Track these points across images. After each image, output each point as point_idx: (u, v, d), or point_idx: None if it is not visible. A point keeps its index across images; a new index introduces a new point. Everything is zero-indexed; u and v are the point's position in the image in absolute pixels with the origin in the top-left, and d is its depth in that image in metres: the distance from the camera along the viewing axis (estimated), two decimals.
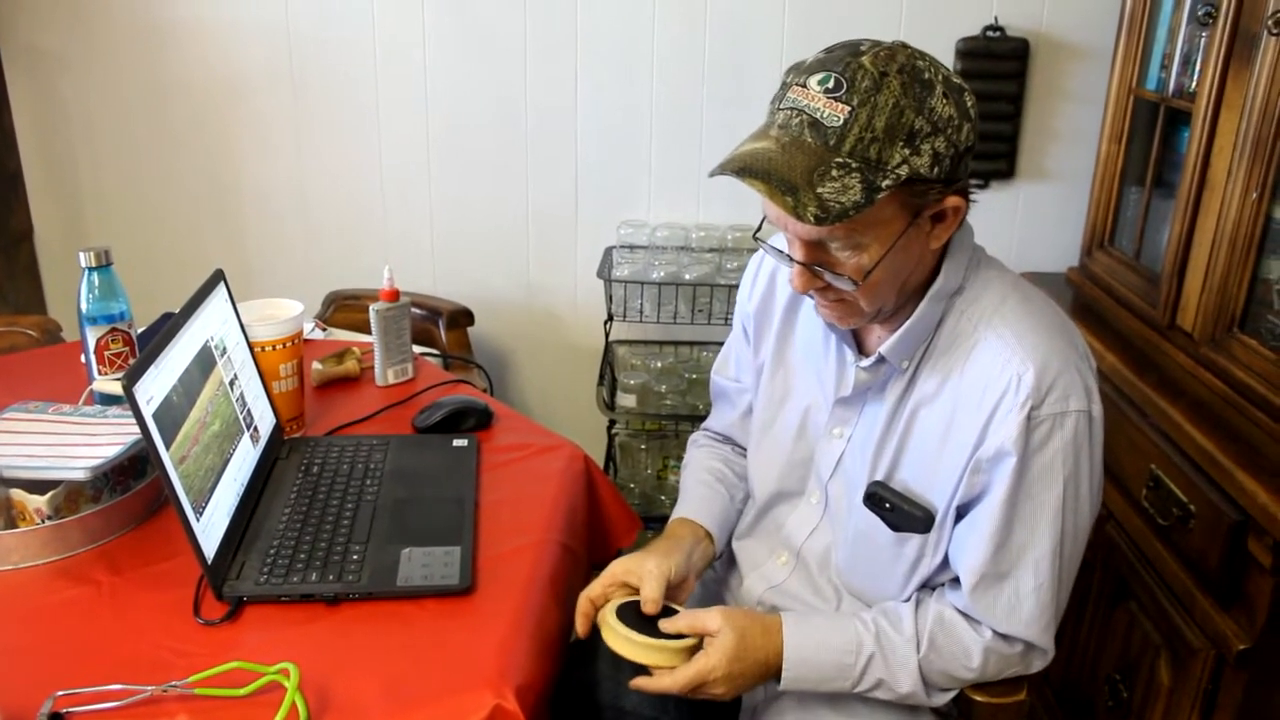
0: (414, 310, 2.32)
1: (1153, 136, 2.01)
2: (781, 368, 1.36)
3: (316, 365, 1.74)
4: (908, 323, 1.16)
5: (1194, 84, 1.83)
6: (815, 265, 1.11)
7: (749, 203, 2.51)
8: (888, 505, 1.21)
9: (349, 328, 2.31)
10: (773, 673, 1.18)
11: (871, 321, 1.20)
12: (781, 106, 1.06)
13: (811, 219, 1.01)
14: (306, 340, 1.96)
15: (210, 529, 1.18)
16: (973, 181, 2.53)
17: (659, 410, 2.44)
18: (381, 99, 2.51)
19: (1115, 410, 1.86)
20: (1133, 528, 1.75)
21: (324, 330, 2.15)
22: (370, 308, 1.71)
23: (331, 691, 1.03)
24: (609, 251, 2.48)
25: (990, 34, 2.32)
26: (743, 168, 1.04)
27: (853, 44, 1.06)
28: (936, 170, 1.04)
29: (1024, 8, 2.33)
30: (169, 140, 2.58)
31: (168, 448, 1.12)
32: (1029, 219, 2.49)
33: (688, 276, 2.36)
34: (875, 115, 1.01)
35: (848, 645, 1.18)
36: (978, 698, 1.20)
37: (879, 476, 1.22)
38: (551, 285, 2.63)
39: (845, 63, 1.03)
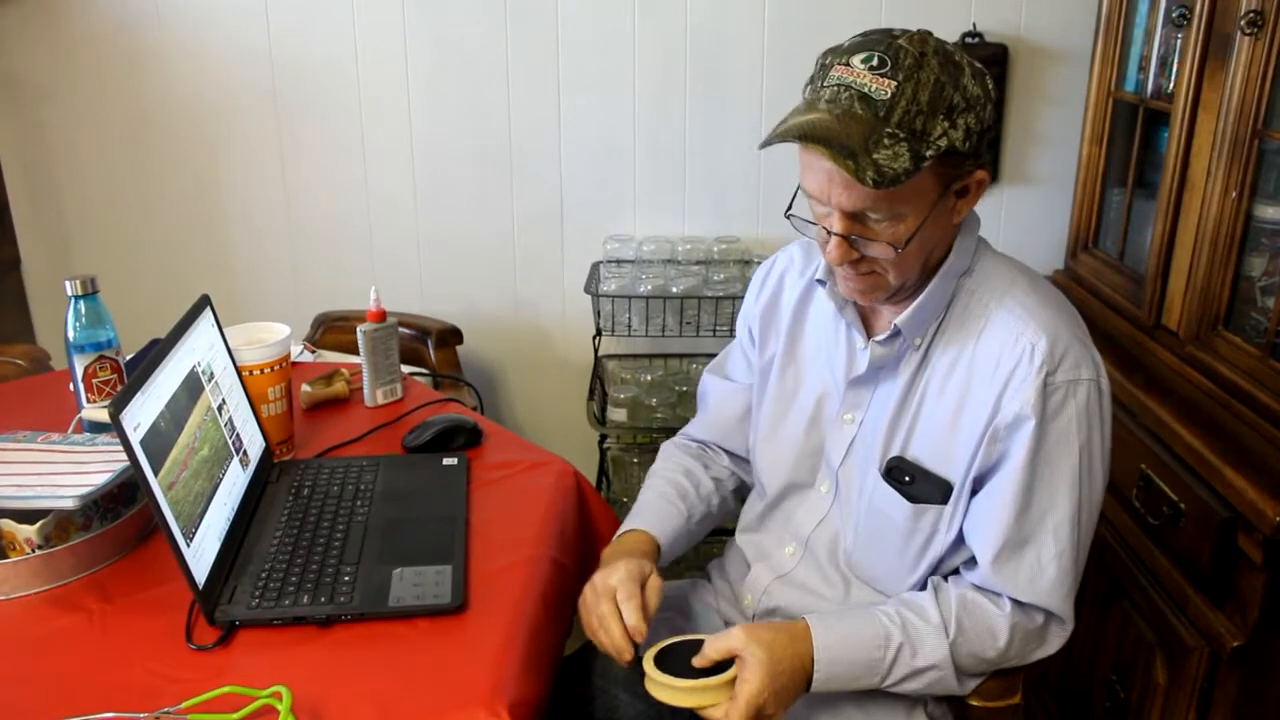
0: (402, 330, 2.32)
1: (1133, 137, 2.03)
2: (793, 364, 1.38)
3: (305, 388, 1.74)
4: (921, 296, 1.20)
5: (1171, 85, 1.84)
6: (852, 236, 1.14)
7: (734, 215, 2.52)
8: (908, 478, 1.23)
9: (338, 349, 2.31)
10: (809, 677, 1.16)
11: (889, 299, 1.23)
12: (826, 84, 1.11)
13: (870, 183, 1.05)
14: (295, 363, 1.96)
15: (201, 554, 1.18)
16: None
17: (650, 424, 2.44)
18: (365, 120, 2.51)
19: None
20: (1124, 527, 1.75)
21: (313, 353, 2.15)
22: (357, 329, 1.71)
23: (325, 714, 1.03)
24: (596, 267, 2.48)
25: (969, 40, 2.34)
26: (803, 134, 1.08)
27: (885, 30, 1.12)
28: (968, 145, 1.11)
29: (1001, 13, 2.34)
30: (154, 166, 2.58)
31: (156, 474, 1.12)
32: (1013, 223, 2.50)
33: (675, 289, 2.37)
34: (919, 90, 1.07)
35: (875, 639, 1.17)
36: (973, 702, 1.20)
37: (895, 453, 1.24)
38: (539, 302, 2.64)
39: (886, 44, 1.10)
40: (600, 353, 2.51)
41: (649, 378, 2.53)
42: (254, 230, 2.62)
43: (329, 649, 1.14)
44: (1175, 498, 1.59)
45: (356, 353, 1.76)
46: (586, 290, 2.39)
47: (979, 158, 1.15)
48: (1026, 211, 2.49)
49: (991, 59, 2.33)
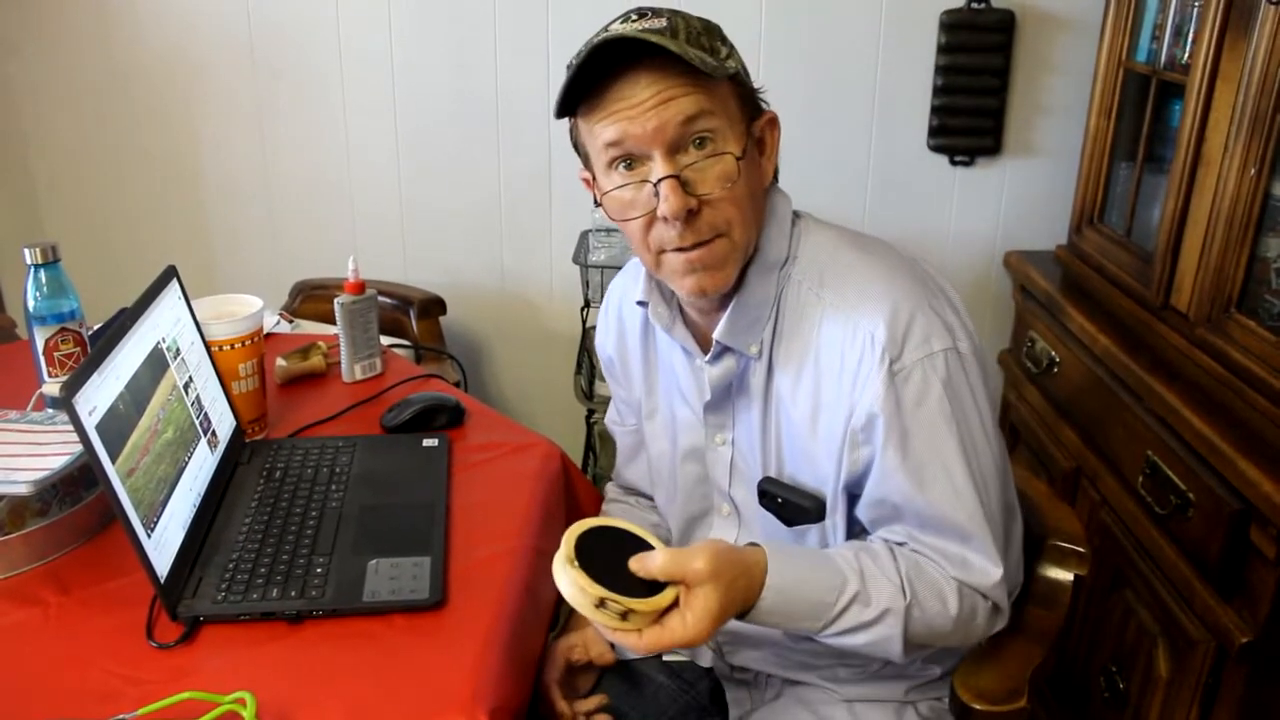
0: (384, 300, 2.25)
1: (1144, 110, 1.95)
2: (657, 398, 1.30)
3: (280, 362, 1.67)
4: (734, 301, 1.11)
5: (1187, 55, 1.77)
6: (682, 176, 1.03)
7: None
8: (779, 500, 1.15)
9: (317, 318, 2.24)
10: (746, 610, 1.02)
11: (719, 304, 1.13)
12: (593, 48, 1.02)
13: (697, 60, 0.98)
14: (271, 334, 1.89)
15: (163, 545, 1.11)
16: (957, 158, 2.44)
17: None
18: (347, 80, 2.42)
19: (1108, 394, 1.81)
20: (1127, 515, 1.70)
21: (290, 322, 2.07)
22: (335, 301, 1.64)
23: (292, 719, 0.96)
24: (585, 235, 2.41)
25: (975, 6, 2.25)
26: (607, 42, 0.99)
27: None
28: (749, 82, 1.10)
29: None
30: (126, 126, 2.48)
31: (114, 461, 1.05)
32: (1015, 196, 2.42)
33: None
34: (689, 19, 1.05)
35: (831, 585, 1.04)
36: (977, 706, 1.14)
37: (771, 473, 1.17)
38: (526, 271, 2.56)
39: (636, 10, 1.05)
40: (588, 325, 2.43)
41: None
42: (230, 194, 2.54)
43: (299, 648, 1.07)
44: (1184, 487, 1.53)
45: (336, 323, 1.68)
46: (575, 260, 2.31)
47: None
48: (1029, 184, 2.40)
49: (998, 26, 2.24)
